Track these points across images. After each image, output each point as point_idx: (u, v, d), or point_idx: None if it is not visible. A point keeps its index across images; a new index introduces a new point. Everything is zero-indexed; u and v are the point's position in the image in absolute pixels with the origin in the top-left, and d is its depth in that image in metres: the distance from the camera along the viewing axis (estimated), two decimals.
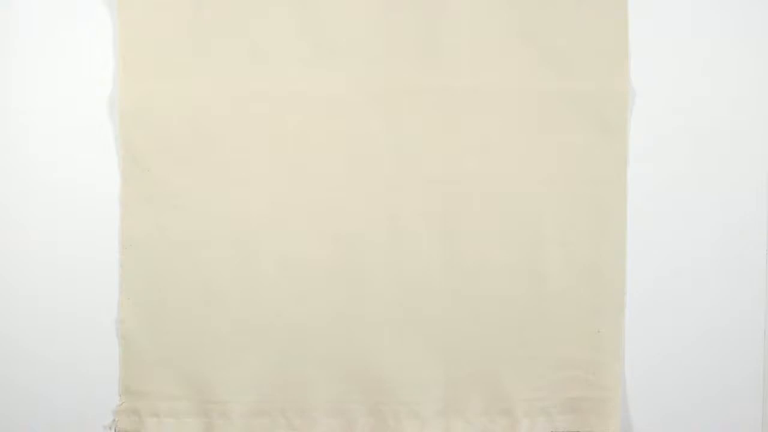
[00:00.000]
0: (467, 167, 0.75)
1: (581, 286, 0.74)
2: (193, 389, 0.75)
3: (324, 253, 0.75)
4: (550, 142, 0.74)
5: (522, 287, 0.75)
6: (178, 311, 0.75)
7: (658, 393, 0.76)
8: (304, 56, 0.74)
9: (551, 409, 0.75)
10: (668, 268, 0.76)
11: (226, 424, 0.76)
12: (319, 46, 0.74)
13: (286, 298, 0.75)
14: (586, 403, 0.75)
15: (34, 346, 0.76)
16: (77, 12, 0.75)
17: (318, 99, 0.74)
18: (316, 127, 0.74)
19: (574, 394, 0.75)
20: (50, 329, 0.76)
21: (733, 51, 0.75)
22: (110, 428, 0.74)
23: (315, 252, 0.75)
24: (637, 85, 0.74)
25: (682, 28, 0.75)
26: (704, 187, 0.76)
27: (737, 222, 0.76)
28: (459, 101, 0.74)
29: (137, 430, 0.75)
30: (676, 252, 0.76)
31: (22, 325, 0.76)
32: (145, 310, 0.75)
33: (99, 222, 0.75)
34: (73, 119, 0.75)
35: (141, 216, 0.74)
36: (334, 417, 0.76)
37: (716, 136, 0.75)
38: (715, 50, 0.75)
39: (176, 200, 0.74)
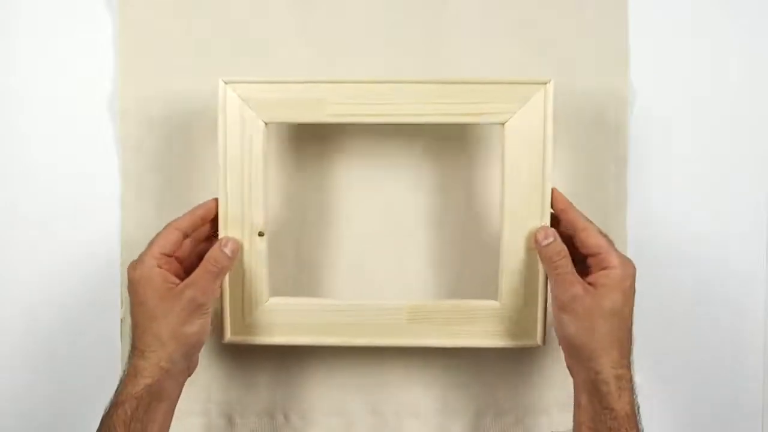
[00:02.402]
0: None
1: None
2: (192, 388, 0.75)
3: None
4: None
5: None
6: None
7: (658, 393, 0.76)
8: (304, 56, 0.73)
9: (551, 408, 0.75)
10: (668, 268, 0.76)
11: (226, 424, 0.76)
12: (319, 45, 0.74)
13: None
14: None
15: (34, 346, 0.76)
16: (77, 12, 0.75)
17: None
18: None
19: None
20: (51, 329, 0.76)
21: (733, 50, 0.75)
22: None
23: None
24: (637, 85, 0.74)
25: (682, 28, 0.75)
26: (705, 187, 0.76)
27: (738, 222, 0.76)
28: None
29: None
30: (676, 252, 0.76)
31: (22, 325, 0.76)
32: None
33: (99, 222, 0.75)
34: (73, 119, 0.75)
35: (141, 216, 0.74)
36: (334, 417, 0.76)
37: (717, 136, 0.75)
38: (716, 50, 0.75)
39: (177, 200, 0.74)
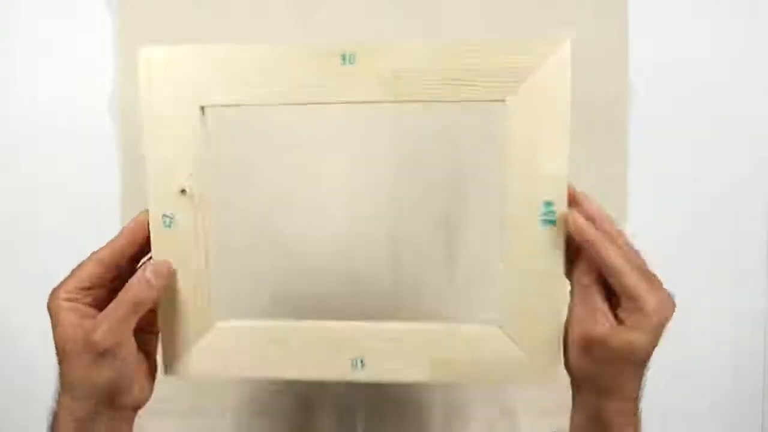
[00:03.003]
0: None
1: None
2: (193, 388, 0.75)
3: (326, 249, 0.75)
4: None
5: None
6: None
7: (658, 394, 0.76)
8: None
9: (552, 408, 0.75)
10: (668, 268, 0.76)
11: (226, 424, 0.75)
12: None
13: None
14: None
15: (35, 345, 0.76)
16: (77, 12, 0.75)
17: None
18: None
19: None
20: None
21: (733, 50, 0.75)
22: None
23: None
24: (637, 85, 0.74)
25: (682, 28, 0.75)
26: (705, 187, 0.76)
27: (738, 222, 0.76)
28: None
29: (138, 431, 0.75)
30: (677, 253, 0.76)
31: (24, 325, 0.76)
32: None
33: (99, 222, 0.75)
34: (73, 119, 0.75)
35: None
36: (334, 418, 0.76)
37: (717, 136, 0.75)
38: (716, 49, 0.75)
39: None
